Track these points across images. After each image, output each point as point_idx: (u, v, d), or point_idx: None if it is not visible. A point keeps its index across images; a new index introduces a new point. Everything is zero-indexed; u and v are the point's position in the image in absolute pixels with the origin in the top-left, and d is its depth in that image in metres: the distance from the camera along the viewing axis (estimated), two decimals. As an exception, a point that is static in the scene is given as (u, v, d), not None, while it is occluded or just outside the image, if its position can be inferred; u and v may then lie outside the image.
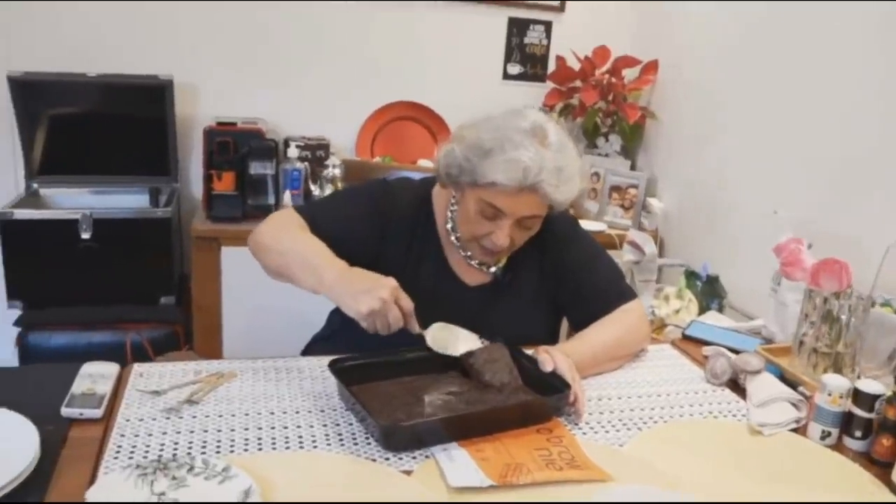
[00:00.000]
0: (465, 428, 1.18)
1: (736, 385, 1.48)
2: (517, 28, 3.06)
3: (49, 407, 1.17)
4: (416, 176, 1.74)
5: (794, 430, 1.33)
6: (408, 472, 1.10)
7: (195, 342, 2.56)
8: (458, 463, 1.11)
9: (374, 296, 1.23)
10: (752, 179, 2.37)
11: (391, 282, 1.27)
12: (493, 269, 1.55)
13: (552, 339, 1.65)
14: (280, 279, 1.43)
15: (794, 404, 1.37)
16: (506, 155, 1.33)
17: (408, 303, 1.27)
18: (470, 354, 1.35)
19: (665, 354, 1.63)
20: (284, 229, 1.44)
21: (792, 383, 1.46)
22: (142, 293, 2.57)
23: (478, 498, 1.05)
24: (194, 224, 2.54)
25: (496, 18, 3.05)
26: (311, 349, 1.68)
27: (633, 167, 3.02)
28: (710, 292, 2.14)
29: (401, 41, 2.97)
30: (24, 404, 1.13)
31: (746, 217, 2.37)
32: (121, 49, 2.72)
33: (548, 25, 3.08)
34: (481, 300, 1.54)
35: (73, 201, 2.66)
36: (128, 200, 2.71)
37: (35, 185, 2.67)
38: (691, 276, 2.17)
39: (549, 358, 1.31)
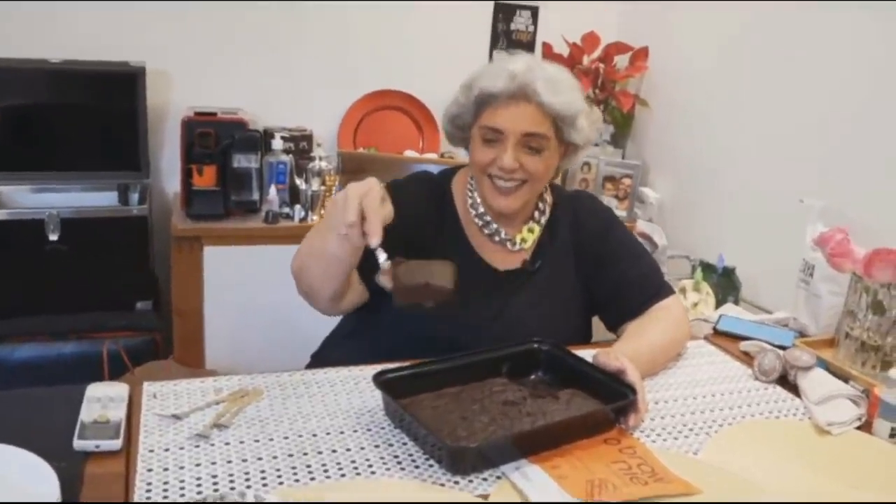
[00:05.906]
0: (536, 442, 1.07)
1: (784, 381, 1.40)
2: (503, 14, 2.95)
3: (52, 437, 1.01)
4: (432, 168, 1.67)
5: (857, 428, 1.26)
6: (483, 496, 0.98)
7: (175, 350, 2.38)
8: (536, 482, 1.00)
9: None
10: (754, 167, 2.31)
11: (367, 183, 1.15)
12: (517, 247, 1.47)
13: (584, 339, 1.56)
14: (319, 292, 1.34)
15: (853, 400, 1.31)
16: (494, 66, 1.37)
17: (371, 202, 1.12)
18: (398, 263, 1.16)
19: (703, 351, 1.54)
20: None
21: (841, 378, 1.39)
22: (116, 299, 2.39)
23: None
24: (174, 223, 2.36)
25: (482, 4, 2.94)
26: (324, 350, 1.58)
27: (622, 157, 2.94)
28: (726, 284, 2.07)
29: (383, 27, 2.83)
30: (22, 437, 0.97)
31: (755, 206, 2.30)
32: (87, 33, 2.52)
33: (534, 11, 2.97)
34: (512, 286, 1.47)
35: (33, 200, 2.46)
36: (93, 198, 2.51)
37: (-10, 183, 2.46)
38: (707, 267, 2.10)
39: (615, 360, 1.22)
